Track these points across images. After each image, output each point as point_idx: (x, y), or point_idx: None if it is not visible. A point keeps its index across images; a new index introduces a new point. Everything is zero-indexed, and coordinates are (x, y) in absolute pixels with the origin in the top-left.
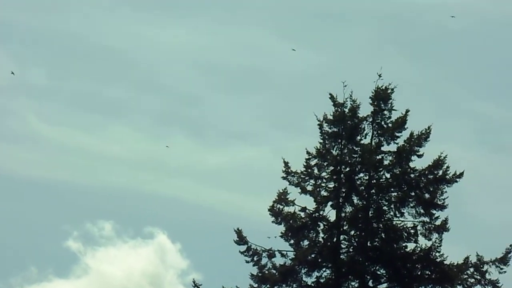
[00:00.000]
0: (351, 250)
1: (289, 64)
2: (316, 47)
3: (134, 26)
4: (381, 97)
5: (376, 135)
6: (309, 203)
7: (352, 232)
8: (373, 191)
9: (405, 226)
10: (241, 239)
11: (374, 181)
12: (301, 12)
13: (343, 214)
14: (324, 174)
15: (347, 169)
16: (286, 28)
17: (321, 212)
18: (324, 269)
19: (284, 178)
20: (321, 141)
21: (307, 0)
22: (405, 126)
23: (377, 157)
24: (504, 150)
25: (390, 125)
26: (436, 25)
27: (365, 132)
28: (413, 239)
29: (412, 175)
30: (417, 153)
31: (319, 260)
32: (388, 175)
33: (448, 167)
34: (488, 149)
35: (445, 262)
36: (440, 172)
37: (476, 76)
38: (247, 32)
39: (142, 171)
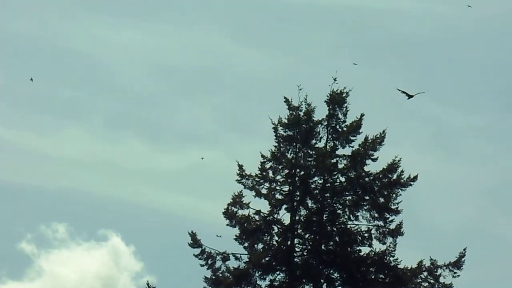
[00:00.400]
0: (305, 253)
1: (244, 67)
2: (271, 50)
3: (89, 27)
4: (336, 101)
5: (331, 138)
6: (264, 206)
7: (307, 236)
8: (328, 194)
9: (359, 230)
10: (195, 242)
11: (329, 184)
12: (256, 14)
13: (297, 218)
14: (278, 177)
15: (302, 172)
16: (242, 31)
17: (275, 215)
18: (278, 272)
19: (238, 181)
20: (276, 144)
21: (262, 3)
22: (360, 130)
23: (332, 161)
24: (458, 154)
25: (345, 128)
26: (392, 30)
27: (320, 135)
28: (367, 243)
29: (366, 179)
30: (372, 157)
31: (273, 263)
32: (342, 179)
33: (402, 171)
34: (443, 153)
35: (399, 266)
36: (395, 176)
37: (431, 80)
38: (202, 34)
39: (96, 174)
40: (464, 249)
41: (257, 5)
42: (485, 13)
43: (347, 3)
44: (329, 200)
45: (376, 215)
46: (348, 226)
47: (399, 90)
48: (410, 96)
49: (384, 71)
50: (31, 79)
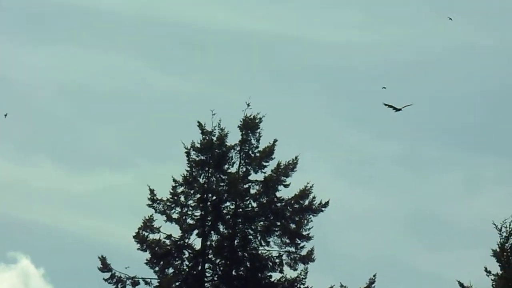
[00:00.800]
0: (216, 278)
1: (158, 91)
2: (185, 74)
3: (1, 48)
4: (249, 126)
5: (244, 164)
6: (175, 230)
7: (218, 261)
8: (239, 220)
9: (270, 256)
10: (105, 266)
11: (241, 210)
12: (170, 38)
13: (208, 243)
14: (190, 202)
15: (214, 197)
16: (156, 54)
17: (186, 240)
18: None
19: (150, 205)
20: (188, 169)
21: (176, 27)
22: (273, 156)
23: (244, 186)
24: (371, 181)
25: (257, 154)
26: (307, 57)
27: (232, 160)
28: (279, 269)
29: (278, 205)
30: (284, 183)
31: None
32: (254, 204)
33: (314, 197)
34: (355, 180)
35: None
36: (306, 202)
37: (345, 107)
38: (116, 57)
39: (6, 195)
40: (374, 276)
41: (171, 29)
42: (396, 40)
43: (263, 30)
44: (240, 226)
45: (288, 241)
46: (259, 252)
47: (385, 104)
48: (397, 110)
49: (297, 97)
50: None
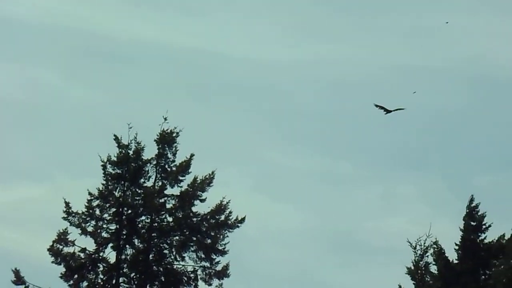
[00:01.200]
0: None
1: (74, 104)
2: (102, 87)
3: None
4: (166, 140)
5: (160, 178)
6: (90, 244)
7: (132, 275)
8: (155, 234)
9: (185, 271)
10: (18, 279)
11: (156, 224)
12: (86, 50)
13: (123, 256)
14: (105, 215)
15: (129, 211)
16: (73, 67)
17: (101, 254)
18: None
19: (65, 218)
20: (104, 182)
21: (91, 39)
22: (189, 170)
23: (160, 201)
24: (287, 197)
25: (174, 168)
26: (225, 73)
27: (148, 175)
28: (193, 284)
29: (194, 220)
30: (200, 198)
31: None
32: (170, 219)
33: (230, 212)
34: (272, 196)
35: None
36: (222, 217)
37: (261, 122)
38: (31, 69)
39: None
40: None
41: (86, 41)
42: (316, 57)
43: (181, 43)
44: (156, 240)
45: (203, 256)
46: (174, 267)
47: (376, 105)
48: (388, 111)
49: (215, 112)
50: None
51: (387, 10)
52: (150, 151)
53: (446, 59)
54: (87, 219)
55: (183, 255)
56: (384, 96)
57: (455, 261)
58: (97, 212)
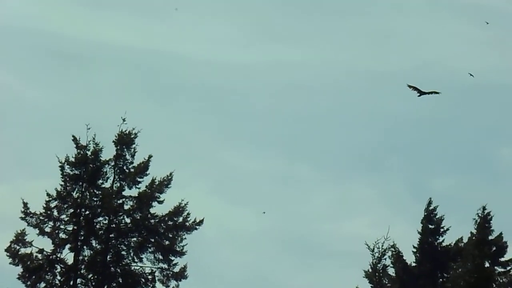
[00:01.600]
0: None
1: (32, 104)
2: (60, 87)
3: None
4: (124, 141)
5: (118, 179)
6: (47, 245)
7: (90, 276)
8: (113, 235)
9: (143, 272)
10: None
11: (114, 225)
12: (43, 50)
13: (81, 257)
14: (63, 216)
15: (87, 212)
16: (28, 67)
17: (59, 255)
18: None
19: (22, 218)
20: (62, 183)
21: (50, 38)
22: (147, 172)
23: (118, 202)
24: (246, 199)
25: (132, 170)
26: (182, 73)
27: (107, 176)
28: (151, 285)
29: (152, 221)
30: (158, 199)
31: None
32: (128, 220)
33: (188, 214)
34: (230, 198)
35: None
36: (180, 219)
37: (219, 124)
38: None
39: None
40: None
41: (43, 42)
42: (276, 59)
43: (140, 45)
44: (113, 241)
45: (161, 257)
46: (132, 268)
47: (410, 86)
48: (421, 93)
49: (173, 114)
50: None
51: (346, 14)
52: (108, 152)
53: (403, 63)
54: (45, 219)
55: (141, 256)
56: (342, 99)
57: (413, 264)
58: (55, 212)
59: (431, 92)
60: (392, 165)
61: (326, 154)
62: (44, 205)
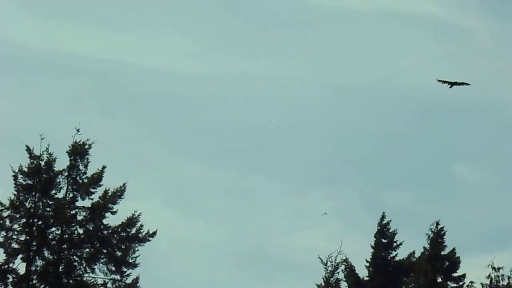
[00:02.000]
0: None
1: None
2: (14, 96)
3: None
4: (78, 152)
5: (71, 189)
6: None
7: (42, 286)
8: (65, 246)
9: (95, 283)
10: None
11: (67, 236)
12: None
13: (33, 268)
14: (16, 226)
15: (40, 222)
16: None
17: (10, 265)
18: None
19: None
20: (15, 192)
21: (0, 48)
22: (101, 182)
23: (71, 212)
24: (200, 211)
25: (85, 180)
26: (137, 83)
27: (60, 186)
28: None
29: (105, 232)
30: (111, 210)
31: None
32: (81, 231)
33: (141, 225)
34: (184, 210)
35: None
36: (133, 230)
37: (174, 136)
38: None
39: None
40: None
41: None
42: (235, 71)
43: (95, 54)
44: (66, 252)
45: (113, 268)
46: (84, 279)
47: (439, 80)
48: (452, 84)
49: (128, 124)
50: None
51: (304, 27)
52: (62, 163)
53: (361, 77)
54: None
55: (93, 267)
56: (298, 112)
57: (366, 278)
58: (7, 222)
59: (462, 83)
60: (347, 179)
61: (282, 167)
62: None
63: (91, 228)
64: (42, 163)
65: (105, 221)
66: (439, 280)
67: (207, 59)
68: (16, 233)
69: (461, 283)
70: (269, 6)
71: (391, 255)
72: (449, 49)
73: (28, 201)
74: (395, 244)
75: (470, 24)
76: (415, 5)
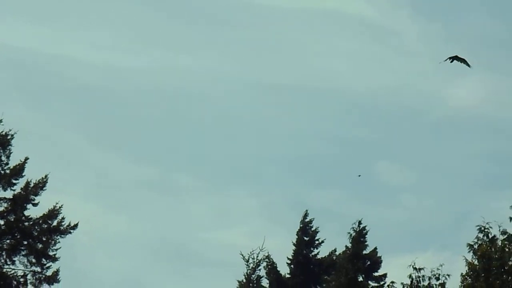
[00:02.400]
0: None
1: None
2: None
3: None
4: (0, 142)
5: None
6: None
7: None
8: None
9: (15, 275)
10: None
11: None
12: None
13: None
14: None
15: None
16: None
17: None
18: None
19: None
20: None
21: None
22: (23, 174)
23: None
24: (121, 205)
25: (7, 171)
26: (61, 75)
27: None
28: None
29: (26, 224)
30: (33, 202)
31: None
32: (1, 222)
33: (63, 218)
34: (105, 203)
35: None
36: (55, 223)
37: (96, 129)
38: None
39: None
40: None
41: None
42: (162, 65)
43: (19, 45)
44: None
45: (34, 260)
46: (4, 270)
47: (445, 60)
48: (453, 59)
49: (51, 116)
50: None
51: (235, 25)
52: None
53: (288, 75)
54: None
55: (14, 259)
56: (224, 109)
57: (287, 275)
58: None
59: (464, 61)
60: (271, 177)
61: (205, 164)
62: None
63: (12, 220)
64: None
65: (26, 213)
66: (360, 279)
67: (133, 53)
68: None
69: (382, 283)
70: (198, 3)
71: (313, 253)
72: (376, 49)
73: None
74: (317, 242)
75: (399, 26)
76: (346, 5)
